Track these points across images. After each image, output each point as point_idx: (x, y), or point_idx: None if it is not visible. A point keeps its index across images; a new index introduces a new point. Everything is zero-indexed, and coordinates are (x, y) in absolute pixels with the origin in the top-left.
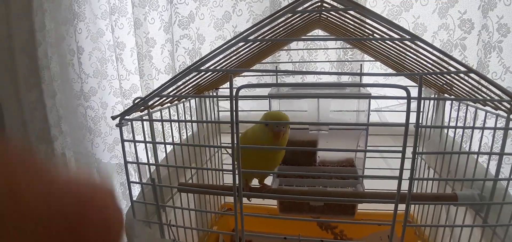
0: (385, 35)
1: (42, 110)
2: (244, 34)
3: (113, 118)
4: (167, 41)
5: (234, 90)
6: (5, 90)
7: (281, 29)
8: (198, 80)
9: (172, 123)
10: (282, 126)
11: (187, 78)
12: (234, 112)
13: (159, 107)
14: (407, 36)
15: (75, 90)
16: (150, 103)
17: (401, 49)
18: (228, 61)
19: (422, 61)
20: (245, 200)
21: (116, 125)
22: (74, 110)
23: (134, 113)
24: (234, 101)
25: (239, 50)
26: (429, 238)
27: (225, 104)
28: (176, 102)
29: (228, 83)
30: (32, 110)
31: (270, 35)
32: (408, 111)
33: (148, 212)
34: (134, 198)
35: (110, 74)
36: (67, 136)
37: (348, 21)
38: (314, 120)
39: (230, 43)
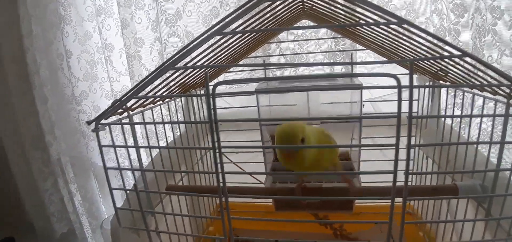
0: (370, 21)
1: (35, 117)
2: (218, 26)
3: (88, 123)
4: (156, 40)
5: (211, 88)
6: None
7: (266, 21)
8: (185, 78)
9: (157, 124)
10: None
11: (170, 76)
12: (212, 111)
13: (140, 109)
14: (394, 20)
15: (66, 95)
16: (130, 104)
17: (392, 36)
18: (214, 56)
19: (414, 47)
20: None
21: (92, 131)
22: (67, 115)
23: (112, 117)
24: (211, 99)
25: (224, 44)
26: (430, 230)
27: (219, 103)
28: (159, 102)
29: (215, 80)
30: (25, 117)
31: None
32: (399, 101)
33: (135, 218)
34: (121, 204)
35: (101, 76)
36: (61, 142)
37: (335, 9)
38: (304, 114)
39: (203, 36)
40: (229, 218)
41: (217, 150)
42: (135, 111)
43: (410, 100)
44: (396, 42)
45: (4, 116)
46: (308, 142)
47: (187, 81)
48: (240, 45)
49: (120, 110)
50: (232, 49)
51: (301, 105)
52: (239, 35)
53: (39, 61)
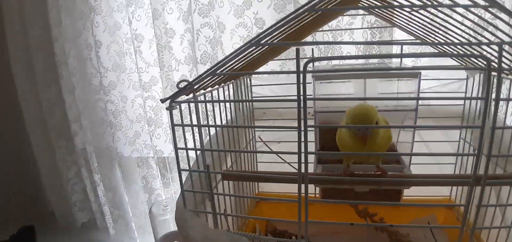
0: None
1: (61, 106)
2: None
3: (162, 101)
4: (187, 30)
5: (301, 64)
6: (23, 88)
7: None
8: (235, 63)
9: (215, 105)
10: (366, 129)
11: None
12: (301, 88)
13: (202, 91)
14: (483, 2)
15: (94, 85)
16: (195, 86)
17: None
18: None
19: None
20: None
21: (166, 109)
22: (94, 105)
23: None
24: (301, 76)
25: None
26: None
27: (257, 90)
28: (216, 86)
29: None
30: (51, 107)
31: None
32: (488, 86)
33: (196, 201)
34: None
35: (129, 67)
36: (87, 131)
37: None
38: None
39: (294, 14)
40: (306, 205)
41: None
42: (199, 92)
43: (498, 84)
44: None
45: (30, 105)
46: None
47: (236, 66)
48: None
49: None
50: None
51: (358, 94)
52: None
53: (68, 51)
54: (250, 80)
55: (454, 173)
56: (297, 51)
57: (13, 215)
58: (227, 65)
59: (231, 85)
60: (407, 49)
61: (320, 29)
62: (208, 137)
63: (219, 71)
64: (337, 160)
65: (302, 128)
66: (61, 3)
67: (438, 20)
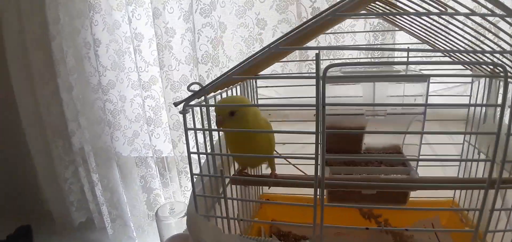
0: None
1: (59, 105)
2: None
3: (176, 104)
4: (187, 30)
5: (321, 70)
6: (20, 86)
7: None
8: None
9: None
10: (217, 114)
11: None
12: (321, 94)
13: (212, 93)
14: (500, 11)
15: (92, 84)
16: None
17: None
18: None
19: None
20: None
21: (180, 112)
22: (92, 104)
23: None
24: (321, 80)
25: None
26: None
27: (262, 91)
28: (225, 88)
29: (264, 71)
30: (48, 105)
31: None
32: (505, 92)
33: (208, 205)
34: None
35: (128, 66)
36: (85, 131)
37: None
38: (370, 107)
39: (315, 19)
40: (322, 210)
41: (320, 135)
42: (210, 94)
43: (505, 88)
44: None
45: (27, 103)
46: None
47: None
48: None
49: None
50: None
51: (368, 97)
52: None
53: (66, 49)
54: (255, 81)
55: (466, 177)
56: (317, 55)
57: (10, 214)
58: (236, 68)
59: (238, 87)
60: (413, 52)
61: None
62: (215, 141)
63: (235, 75)
64: (343, 162)
65: (320, 132)
66: (60, 1)
67: (443, 22)
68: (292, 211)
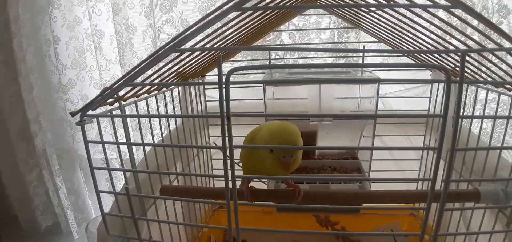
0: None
1: (21, 106)
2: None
3: (73, 114)
4: (149, 27)
5: (224, 76)
6: None
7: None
8: (183, 66)
9: (152, 116)
10: (291, 155)
11: (167, 64)
12: (224, 103)
13: (133, 99)
14: (447, 3)
15: (53, 83)
16: (121, 94)
17: (402, 25)
18: (214, 44)
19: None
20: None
21: (77, 123)
22: (53, 104)
23: (100, 107)
24: (224, 89)
25: (227, 30)
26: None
27: (212, 93)
28: (154, 92)
29: (216, 69)
30: (11, 106)
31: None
32: (447, 98)
33: (125, 223)
34: (108, 209)
35: (89, 64)
36: (47, 132)
37: None
38: (315, 109)
39: (218, 12)
40: (237, 227)
41: (228, 149)
42: (128, 101)
43: (459, 96)
44: (406, 32)
45: None
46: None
47: (184, 69)
48: (243, 32)
49: (110, 100)
50: (234, 36)
51: (312, 99)
52: (244, 17)
53: (26, 47)
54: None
55: (407, 191)
56: (219, 59)
57: None
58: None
59: (176, 90)
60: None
61: (287, 29)
62: (149, 148)
63: (149, 80)
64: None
65: (227, 147)
66: None
67: (403, 24)
68: (251, 218)
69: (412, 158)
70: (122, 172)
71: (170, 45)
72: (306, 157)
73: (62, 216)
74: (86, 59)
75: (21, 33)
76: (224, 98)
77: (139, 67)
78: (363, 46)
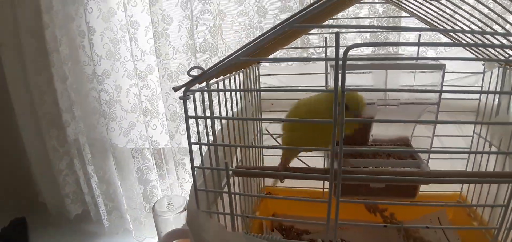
0: None
1: (53, 94)
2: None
3: (175, 89)
4: (185, 18)
5: (341, 51)
6: (13, 74)
7: None
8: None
9: (226, 96)
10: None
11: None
12: (340, 79)
13: (214, 79)
14: None
15: (87, 73)
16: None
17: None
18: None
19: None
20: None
21: (180, 98)
22: (87, 94)
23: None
24: (340, 64)
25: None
26: (483, 218)
27: (264, 80)
28: (228, 74)
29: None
30: (42, 94)
31: None
32: None
33: (209, 201)
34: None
35: (123, 55)
36: (80, 121)
37: None
38: (381, 96)
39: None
40: (337, 206)
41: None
42: (212, 80)
43: None
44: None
45: (20, 93)
46: None
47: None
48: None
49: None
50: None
51: (378, 86)
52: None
53: (59, 38)
54: (258, 69)
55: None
56: (337, 36)
57: (3, 207)
58: (242, 50)
59: (241, 74)
60: (424, 38)
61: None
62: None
63: (242, 57)
64: (349, 154)
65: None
66: None
67: (450, 6)
68: (295, 204)
69: (462, 147)
70: (207, 146)
71: (288, 22)
72: (361, 142)
73: (92, 205)
74: (120, 50)
75: (55, 23)
76: (340, 74)
77: (259, 39)
78: (419, 33)
